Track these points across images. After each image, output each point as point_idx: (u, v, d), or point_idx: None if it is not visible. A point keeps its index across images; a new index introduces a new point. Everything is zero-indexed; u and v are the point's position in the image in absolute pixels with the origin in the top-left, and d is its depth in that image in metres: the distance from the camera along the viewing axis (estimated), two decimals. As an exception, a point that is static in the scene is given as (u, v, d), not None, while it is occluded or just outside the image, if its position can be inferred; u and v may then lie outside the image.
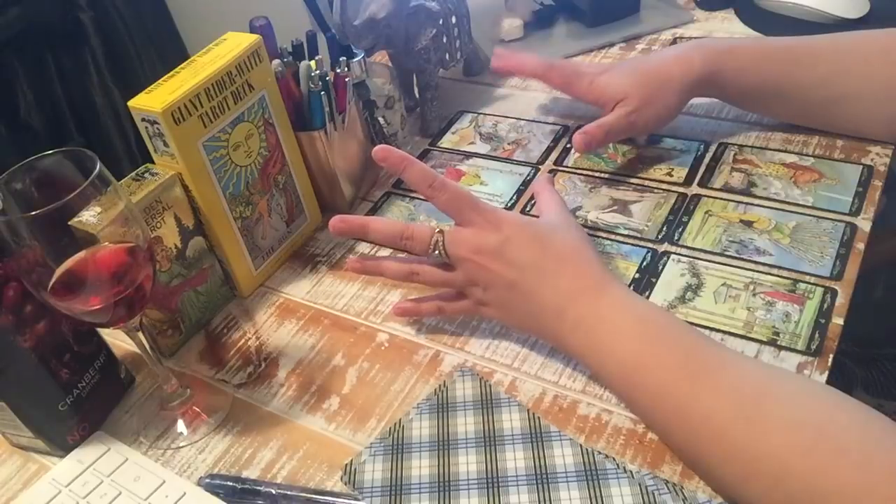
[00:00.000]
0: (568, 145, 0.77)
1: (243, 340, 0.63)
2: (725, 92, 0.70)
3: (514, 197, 0.72)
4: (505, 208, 0.70)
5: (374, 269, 0.59)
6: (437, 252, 0.54)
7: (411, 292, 0.63)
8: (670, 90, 0.67)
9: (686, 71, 0.67)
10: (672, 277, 0.60)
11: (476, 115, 0.84)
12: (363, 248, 0.69)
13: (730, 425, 0.43)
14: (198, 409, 0.57)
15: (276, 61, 0.65)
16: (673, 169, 0.71)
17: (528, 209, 0.70)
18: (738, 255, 0.61)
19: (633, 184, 0.70)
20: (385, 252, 0.68)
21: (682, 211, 0.66)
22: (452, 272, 0.55)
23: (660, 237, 0.64)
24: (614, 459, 0.48)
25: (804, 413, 0.42)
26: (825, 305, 0.56)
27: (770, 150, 0.71)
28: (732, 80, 0.68)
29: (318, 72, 0.65)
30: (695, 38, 0.89)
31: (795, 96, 0.67)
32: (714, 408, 0.44)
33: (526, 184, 0.73)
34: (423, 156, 0.80)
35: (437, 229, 0.55)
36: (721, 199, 0.67)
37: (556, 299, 0.51)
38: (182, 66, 0.58)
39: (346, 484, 0.50)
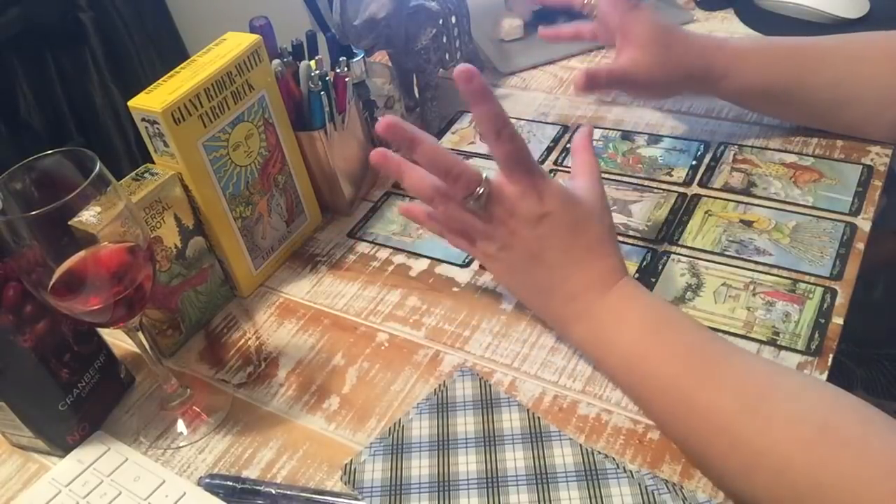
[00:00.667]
0: (568, 145, 0.77)
1: (243, 340, 0.63)
2: (728, 91, 0.70)
3: (514, 197, 0.71)
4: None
5: (396, 169, 0.55)
6: (475, 202, 0.51)
7: (412, 293, 0.64)
8: (681, 71, 0.67)
9: (701, 62, 0.67)
10: (672, 277, 0.60)
11: (476, 115, 0.84)
12: (363, 247, 0.69)
13: (733, 419, 0.43)
14: (198, 409, 0.57)
15: (276, 61, 0.65)
16: (673, 169, 0.71)
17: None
18: (737, 255, 0.61)
19: (633, 184, 0.70)
20: (386, 255, 0.68)
21: (682, 211, 0.66)
22: (477, 220, 0.53)
23: (660, 237, 0.64)
24: (614, 459, 0.48)
25: (807, 408, 0.43)
26: (825, 305, 0.56)
27: (770, 150, 0.71)
28: (738, 81, 0.67)
29: (318, 72, 0.65)
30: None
31: (802, 99, 0.67)
32: (717, 401, 0.44)
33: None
34: (423, 156, 0.80)
35: (486, 177, 0.52)
36: (721, 199, 0.67)
37: (571, 285, 0.52)
38: (182, 66, 0.58)
39: (345, 484, 0.50)
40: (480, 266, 0.64)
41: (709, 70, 0.67)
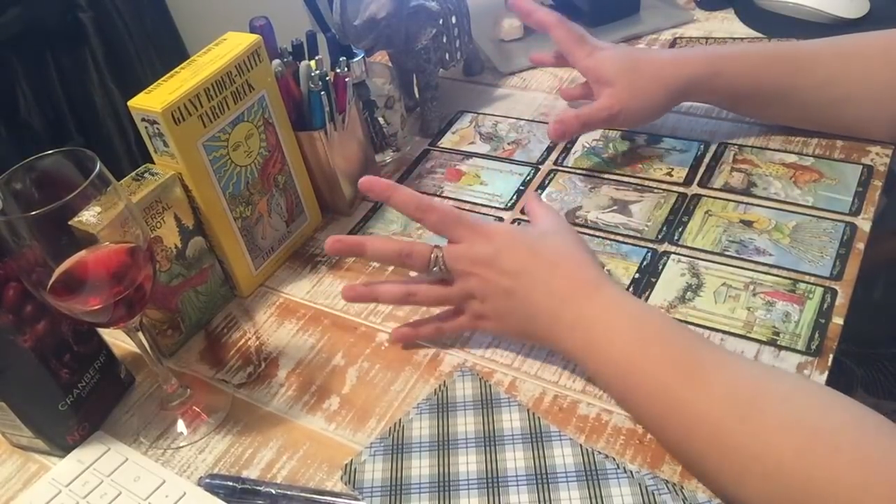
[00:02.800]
0: (568, 145, 0.77)
1: (243, 340, 0.63)
2: (722, 97, 0.70)
3: (514, 197, 0.72)
4: (505, 208, 0.70)
5: (369, 296, 0.59)
6: (436, 268, 0.54)
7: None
8: (659, 86, 0.67)
9: (679, 72, 0.67)
10: (672, 277, 0.60)
11: (476, 114, 0.84)
12: (363, 248, 0.69)
13: (724, 425, 0.43)
14: (198, 409, 0.57)
15: (276, 61, 0.65)
16: (673, 169, 0.71)
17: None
18: (738, 255, 0.61)
19: (633, 184, 0.70)
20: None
21: (682, 211, 0.66)
22: (449, 288, 0.55)
23: (660, 237, 0.64)
24: (614, 459, 0.48)
25: (799, 412, 0.43)
26: (825, 305, 0.56)
27: (770, 150, 0.71)
28: (731, 84, 0.67)
29: (318, 72, 0.65)
30: (695, 38, 0.89)
31: (795, 100, 0.67)
32: (709, 407, 0.44)
33: (526, 184, 0.73)
34: (423, 156, 0.80)
35: (435, 245, 0.55)
36: (721, 199, 0.67)
37: (549, 302, 0.51)
38: (182, 66, 0.58)
39: (346, 484, 0.50)
40: (479, 329, 0.61)
41: (688, 81, 0.67)
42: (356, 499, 0.49)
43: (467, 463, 0.50)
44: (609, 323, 0.50)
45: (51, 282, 0.45)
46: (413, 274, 0.58)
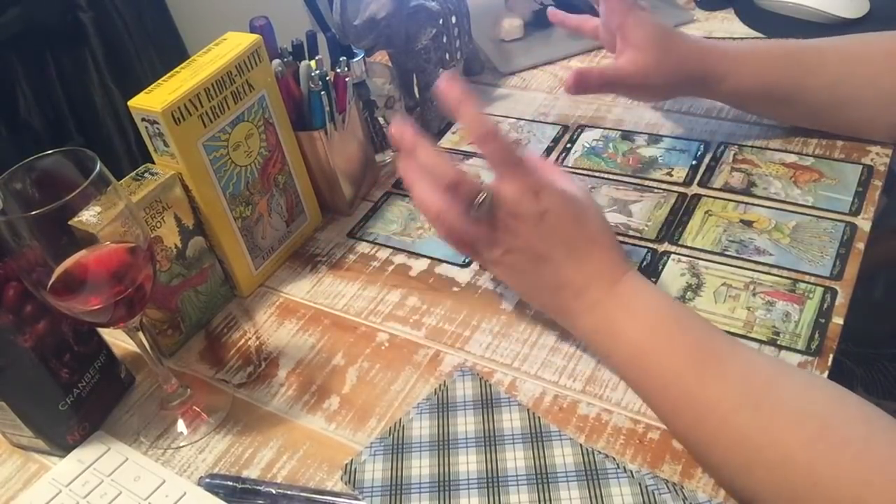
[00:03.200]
0: (568, 145, 0.77)
1: (243, 340, 0.63)
2: (728, 95, 0.70)
3: (514, 197, 0.71)
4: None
5: (407, 181, 0.54)
6: (481, 211, 0.51)
7: (412, 293, 0.64)
8: (682, 70, 0.67)
9: (702, 62, 0.67)
10: (672, 277, 0.60)
11: (476, 114, 0.84)
12: (363, 247, 0.69)
13: (735, 413, 0.44)
14: (198, 409, 0.57)
15: (276, 61, 0.65)
16: (673, 169, 0.71)
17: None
18: (738, 255, 0.61)
19: (633, 184, 0.70)
20: (386, 255, 0.68)
21: (682, 211, 0.66)
22: (480, 227, 0.52)
23: (660, 237, 0.64)
24: (614, 459, 0.48)
25: (809, 405, 0.43)
26: (825, 305, 0.56)
27: (770, 150, 0.71)
28: (738, 84, 0.67)
29: (318, 72, 0.65)
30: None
31: (801, 100, 0.67)
32: (721, 395, 0.45)
33: (526, 184, 0.73)
34: (423, 156, 0.80)
35: (483, 182, 0.51)
36: (721, 198, 0.67)
37: (579, 279, 0.51)
38: (182, 65, 0.58)
39: (346, 483, 0.50)
40: (481, 266, 0.64)
41: (707, 73, 0.67)
42: (356, 499, 0.49)
43: (467, 463, 0.50)
44: (629, 306, 0.50)
45: (51, 282, 0.45)
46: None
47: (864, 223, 0.62)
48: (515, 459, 0.49)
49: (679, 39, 0.67)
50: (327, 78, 0.66)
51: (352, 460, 0.51)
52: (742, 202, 0.66)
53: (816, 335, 0.54)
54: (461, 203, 0.51)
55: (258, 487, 0.50)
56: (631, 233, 0.65)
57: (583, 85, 0.66)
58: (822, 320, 0.55)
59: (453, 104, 0.51)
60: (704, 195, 0.67)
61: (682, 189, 0.69)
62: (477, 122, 0.51)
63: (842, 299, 0.56)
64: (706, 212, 0.66)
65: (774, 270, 0.59)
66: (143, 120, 0.55)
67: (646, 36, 0.66)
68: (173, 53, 1.71)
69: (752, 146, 0.72)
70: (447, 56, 0.80)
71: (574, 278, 0.52)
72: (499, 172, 0.51)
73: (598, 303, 0.51)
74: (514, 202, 0.51)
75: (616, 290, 0.51)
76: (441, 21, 0.77)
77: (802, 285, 0.57)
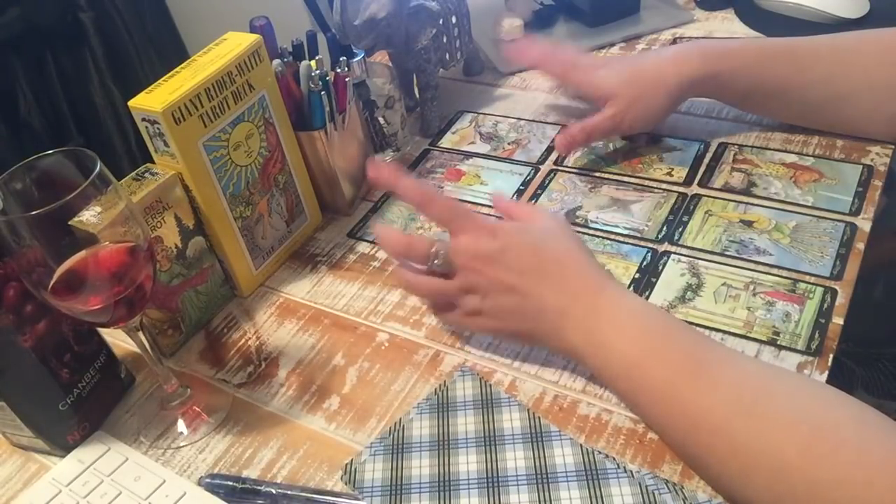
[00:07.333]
0: (568, 145, 0.77)
1: (243, 340, 0.63)
2: (724, 93, 0.70)
3: (515, 197, 0.72)
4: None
5: (384, 243, 0.59)
6: (437, 261, 0.54)
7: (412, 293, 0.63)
8: (660, 91, 0.68)
9: (679, 71, 0.67)
10: (672, 277, 0.60)
11: (476, 114, 0.84)
12: (363, 247, 0.69)
13: (729, 421, 0.43)
14: (198, 409, 0.57)
15: (276, 61, 0.65)
16: (673, 169, 0.71)
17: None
18: (738, 255, 0.61)
19: (633, 184, 0.70)
20: (386, 255, 0.68)
21: (682, 211, 0.66)
22: (448, 281, 0.55)
23: (660, 237, 0.64)
24: (614, 459, 0.48)
25: (802, 409, 0.43)
26: (825, 305, 0.56)
27: (770, 150, 0.71)
28: (731, 81, 0.68)
29: (318, 72, 0.65)
30: (695, 38, 0.89)
31: (795, 97, 0.67)
32: (713, 404, 0.44)
33: (526, 184, 0.73)
34: (423, 156, 0.80)
35: (437, 239, 0.55)
36: (721, 198, 0.67)
37: (558, 299, 0.51)
38: (182, 66, 0.58)
39: (346, 483, 0.50)
40: (472, 329, 0.60)
41: (690, 80, 0.67)
42: (356, 499, 0.49)
43: (467, 463, 0.50)
44: (615, 320, 0.50)
45: (51, 282, 0.45)
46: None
47: (864, 223, 0.62)
48: (515, 459, 0.49)
49: (646, 65, 0.69)
50: (327, 78, 0.66)
51: (352, 460, 0.51)
52: (742, 202, 0.66)
53: (816, 335, 0.54)
54: (418, 261, 0.55)
55: (258, 487, 0.50)
56: (631, 233, 0.65)
57: (571, 146, 0.71)
58: (823, 320, 0.55)
59: (388, 184, 0.56)
60: (704, 195, 0.67)
61: (682, 189, 0.69)
62: (414, 191, 0.55)
63: (842, 299, 0.56)
64: (706, 212, 0.66)
65: (774, 270, 0.59)
66: (144, 120, 0.55)
67: (611, 85, 0.68)
68: (173, 53, 1.71)
69: (752, 146, 0.72)
70: (447, 56, 0.80)
71: (555, 300, 0.51)
72: (451, 228, 0.55)
73: (583, 319, 0.51)
74: (472, 246, 0.53)
75: (599, 304, 0.51)
76: (441, 21, 0.77)
77: (802, 285, 0.57)
